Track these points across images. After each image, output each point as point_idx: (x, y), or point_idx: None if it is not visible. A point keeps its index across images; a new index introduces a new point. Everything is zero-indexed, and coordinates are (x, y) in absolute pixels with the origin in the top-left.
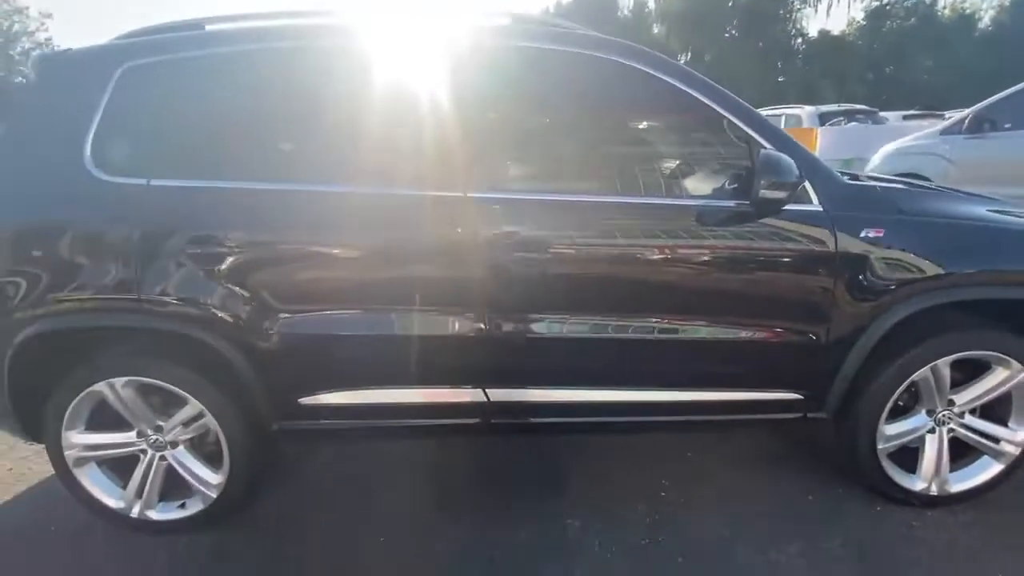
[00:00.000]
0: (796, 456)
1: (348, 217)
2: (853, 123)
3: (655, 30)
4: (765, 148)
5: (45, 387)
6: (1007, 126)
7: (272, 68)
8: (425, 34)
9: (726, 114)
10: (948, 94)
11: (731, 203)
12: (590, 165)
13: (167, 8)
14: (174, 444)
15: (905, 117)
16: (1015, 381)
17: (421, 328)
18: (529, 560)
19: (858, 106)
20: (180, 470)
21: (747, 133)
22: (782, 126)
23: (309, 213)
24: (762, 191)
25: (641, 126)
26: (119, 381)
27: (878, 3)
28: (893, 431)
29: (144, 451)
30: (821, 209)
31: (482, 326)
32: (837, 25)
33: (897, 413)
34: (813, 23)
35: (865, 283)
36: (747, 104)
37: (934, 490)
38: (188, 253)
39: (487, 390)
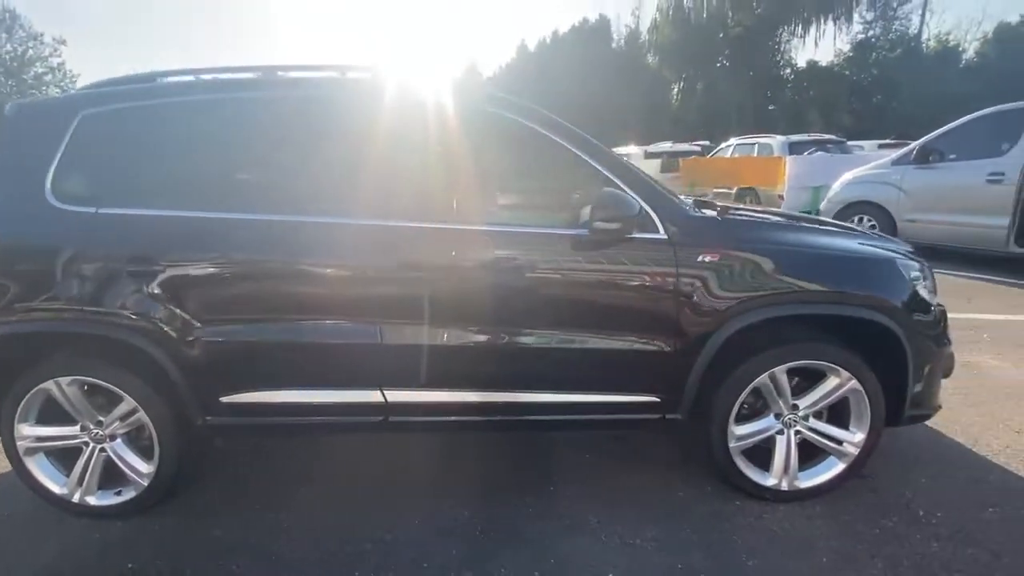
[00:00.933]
0: (687, 457)
1: (254, 239)
2: (820, 152)
3: (648, 60)
4: (609, 187)
5: (3, 384)
6: (952, 157)
7: (193, 117)
8: (305, 85)
9: (584, 156)
10: (933, 123)
11: (575, 232)
12: (472, 199)
13: (169, 36)
14: (112, 437)
15: (881, 146)
16: (846, 388)
17: (324, 336)
18: (418, 544)
19: (827, 136)
20: (117, 461)
21: (603, 174)
22: (755, 154)
23: (223, 237)
24: (596, 223)
25: (513, 165)
26: (65, 380)
27: (863, 36)
28: (743, 431)
29: (86, 443)
30: (665, 237)
31: (377, 335)
32: (825, 56)
33: (753, 415)
34: (802, 54)
35: (703, 301)
36: (606, 149)
37: (785, 486)
38: (126, 270)
39: (385, 392)
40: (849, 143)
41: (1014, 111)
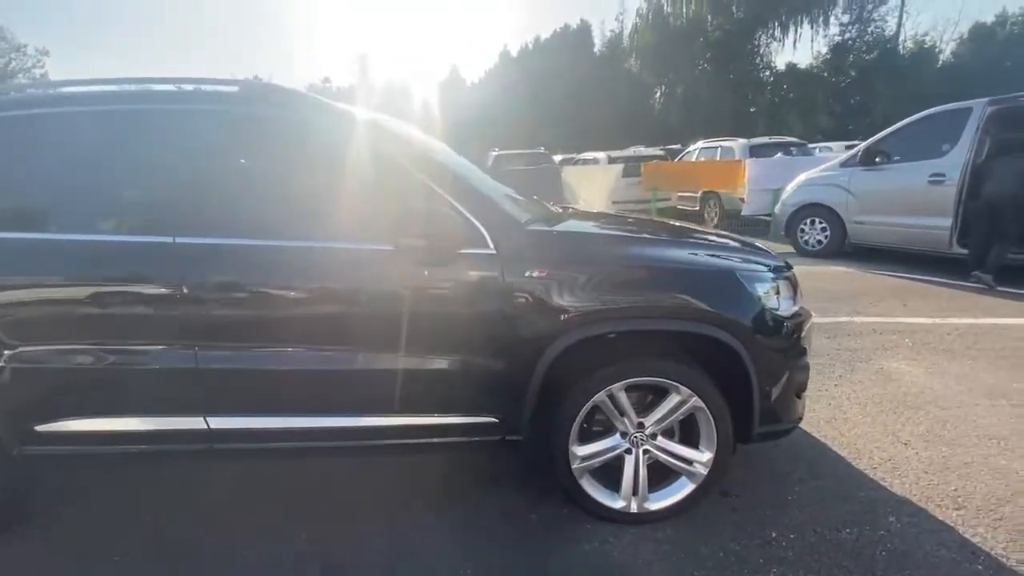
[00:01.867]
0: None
1: (64, 261)
2: (780, 155)
3: (630, 65)
4: (439, 202)
5: None
6: (896, 158)
7: (23, 131)
8: (163, 100)
9: (415, 171)
10: None
11: (379, 247)
12: (285, 214)
13: (153, 46)
14: None
15: (848, 147)
16: (689, 405)
17: (142, 362)
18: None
19: (789, 138)
20: None
21: (432, 188)
22: (717, 157)
23: (31, 257)
24: (401, 240)
25: (344, 179)
26: None
27: (840, 38)
28: (587, 451)
29: None
30: (494, 252)
31: (194, 362)
32: (804, 58)
33: (603, 434)
34: (780, 57)
35: (532, 318)
36: (443, 160)
37: (634, 508)
38: None
39: (208, 419)
40: (813, 145)
41: (955, 111)
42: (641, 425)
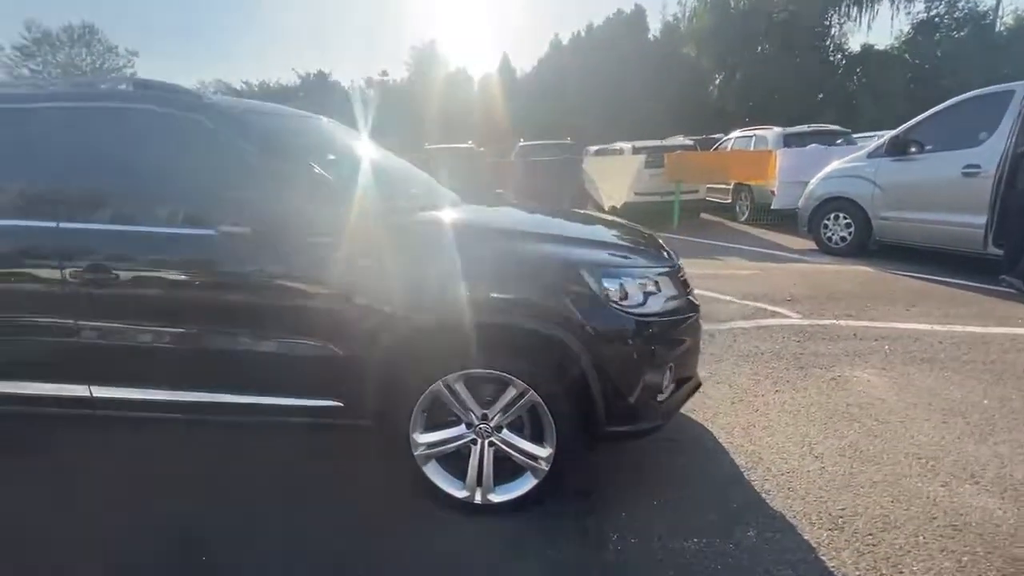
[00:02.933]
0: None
1: None
2: (815, 145)
3: (686, 49)
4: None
5: None
6: (928, 147)
7: None
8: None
9: (255, 161)
10: None
11: (205, 232)
12: (139, 201)
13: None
14: None
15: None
16: (526, 400)
17: (33, 334)
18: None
19: (832, 127)
20: None
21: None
22: (751, 147)
23: None
24: (222, 227)
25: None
26: None
27: (925, 15)
28: (428, 439)
29: None
30: (330, 240)
31: (77, 335)
32: (883, 39)
33: (449, 424)
34: (855, 38)
35: (367, 304)
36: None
37: (477, 499)
38: None
39: (92, 388)
40: (871, 134)
41: (994, 95)
42: (485, 417)
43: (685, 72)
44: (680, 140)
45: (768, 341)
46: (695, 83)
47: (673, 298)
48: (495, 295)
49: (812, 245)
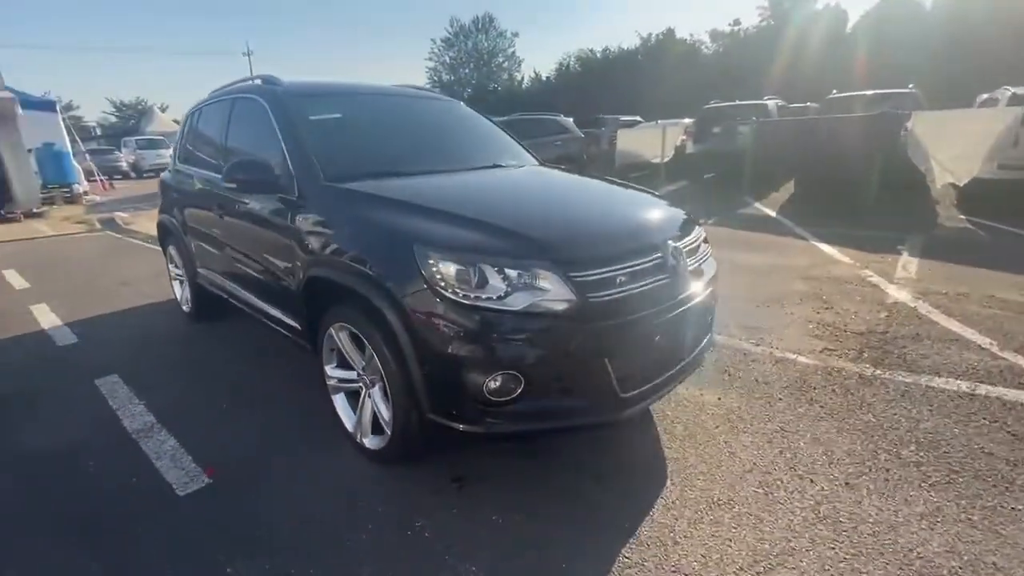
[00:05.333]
0: None
1: None
2: None
3: None
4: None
5: None
6: None
7: None
8: None
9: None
10: None
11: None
12: None
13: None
14: None
15: None
16: (376, 362)
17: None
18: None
19: None
20: None
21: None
22: None
23: None
24: (225, 180)
25: None
26: None
27: None
28: (334, 374)
29: None
30: (295, 198)
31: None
32: None
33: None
34: None
35: (301, 251)
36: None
37: (358, 438)
38: None
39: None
40: None
41: None
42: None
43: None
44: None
45: None
46: None
47: (564, 300)
48: (347, 259)
49: None
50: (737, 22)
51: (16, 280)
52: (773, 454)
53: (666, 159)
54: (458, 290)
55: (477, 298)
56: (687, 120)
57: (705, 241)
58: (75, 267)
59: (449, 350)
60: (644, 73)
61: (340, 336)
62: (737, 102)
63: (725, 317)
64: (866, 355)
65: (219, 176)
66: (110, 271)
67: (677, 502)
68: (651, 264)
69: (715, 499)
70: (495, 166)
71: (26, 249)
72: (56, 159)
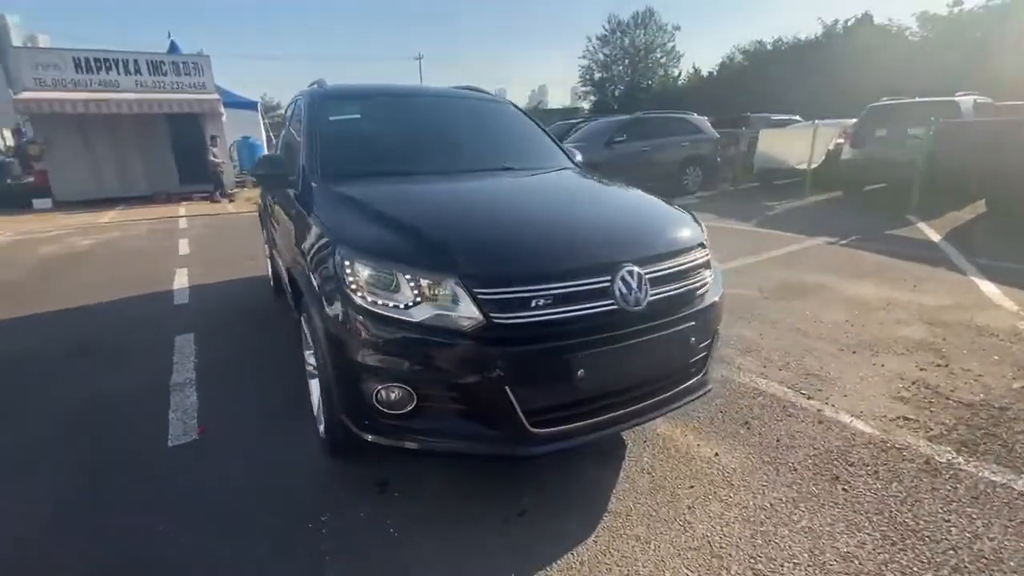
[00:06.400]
0: None
1: None
2: None
3: None
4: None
5: None
6: None
7: None
8: None
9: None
10: None
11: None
12: None
13: None
14: None
15: None
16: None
17: None
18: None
19: None
20: None
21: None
22: None
23: None
24: (248, 172)
25: None
26: None
27: None
28: (308, 360)
29: None
30: (299, 192)
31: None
32: None
33: None
34: None
35: (301, 236)
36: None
37: (318, 425)
38: None
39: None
40: None
41: None
42: None
43: None
44: None
45: None
46: None
47: (468, 318)
48: (301, 255)
49: None
50: (959, 1)
51: (183, 248)
52: (738, 537)
53: (814, 165)
54: (367, 295)
55: (384, 305)
56: (850, 121)
57: (706, 266)
58: (228, 240)
59: (348, 353)
60: (822, 66)
61: (305, 326)
62: (916, 99)
63: (784, 358)
64: (955, 435)
65: None
66: (250, 245)
67: (584, 564)
68: (590, 288)
69: (630, 574)
70: (504, 169)
71: (209, 223)
72: (250, 150)
